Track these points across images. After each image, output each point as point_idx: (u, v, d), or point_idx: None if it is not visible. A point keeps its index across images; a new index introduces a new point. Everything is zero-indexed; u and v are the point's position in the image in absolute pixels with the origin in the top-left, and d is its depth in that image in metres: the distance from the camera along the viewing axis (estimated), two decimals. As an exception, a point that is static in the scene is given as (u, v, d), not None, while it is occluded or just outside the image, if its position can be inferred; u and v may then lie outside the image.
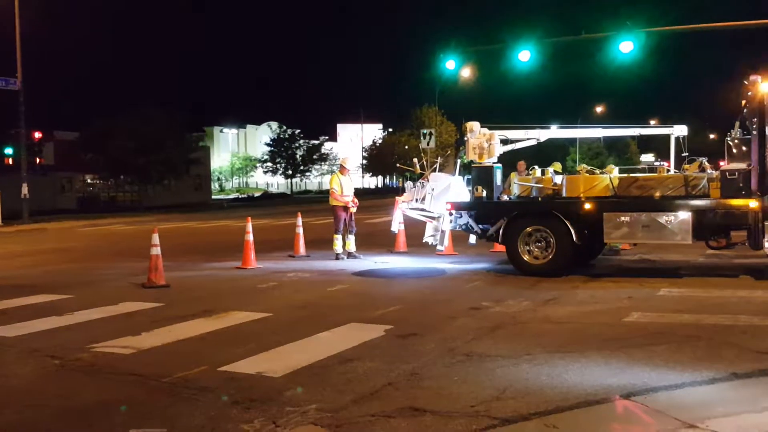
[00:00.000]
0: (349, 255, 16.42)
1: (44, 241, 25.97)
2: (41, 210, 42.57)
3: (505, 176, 15.76)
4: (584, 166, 14.68)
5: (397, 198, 16.33)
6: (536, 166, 15.66)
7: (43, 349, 8.07)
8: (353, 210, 16.72)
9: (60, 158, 61.31)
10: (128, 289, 12.62)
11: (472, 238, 15.09)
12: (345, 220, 16.47)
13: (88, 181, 66.68)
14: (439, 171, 15.77)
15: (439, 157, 17.98)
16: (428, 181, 15.06)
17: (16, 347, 8.26)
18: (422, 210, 15.04)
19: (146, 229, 22.43)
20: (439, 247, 15.34)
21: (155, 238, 12.89)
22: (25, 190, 35.57)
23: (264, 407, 5.83)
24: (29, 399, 6.35)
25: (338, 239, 16.40)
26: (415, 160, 15.97)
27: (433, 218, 15.12)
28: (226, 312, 10.02)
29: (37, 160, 57.09)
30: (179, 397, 6.20)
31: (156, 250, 12.77)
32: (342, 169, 17.33)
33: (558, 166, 16.22)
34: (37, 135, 52.51)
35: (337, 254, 16.34)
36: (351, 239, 16.61)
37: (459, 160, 16.09)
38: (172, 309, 10.43)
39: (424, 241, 15.65)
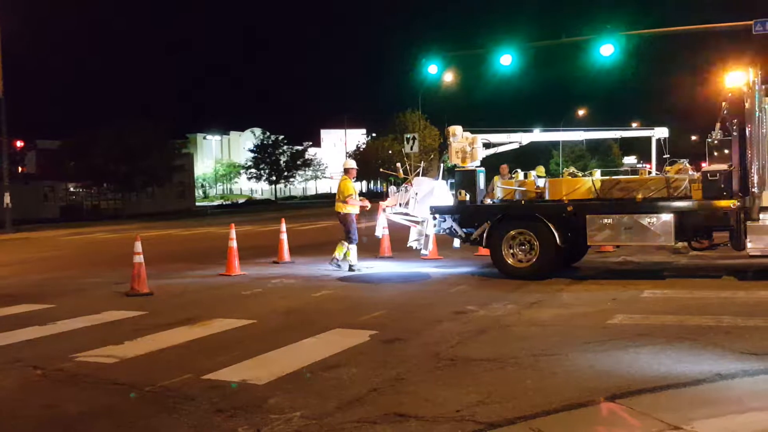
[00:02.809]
0: (350, 268, 15.19)
1: (27, 251, 25.78)
2: (24, 219, 42.30)
3: (488, 180, 15.76)
4: (566, 169, 14.73)
5: (381, 203, 16.25)
6: (519, 170, 15.69)
7: (25, 360, 8.00)
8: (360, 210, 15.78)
9: (42, 167, 60.96)
10: (111, 297, 12.53)
11: (457, 242, 15.10)
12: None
13: (71, 189, 66.31)
14: (422, 175, 15.73)
15: (422, 162, 17.94)
16: (412, 185, 15.04)
17: (-2, 358, 8.20)
18: (406, 214, 15.01)
19: (129, 237, 22.33)
20: (423, 252, 15.31)
21: (138, 246, 12.80)
22: (7, 199, 35.36)
23: (248, 415, 5.80)
24: (12, 410, 6.30)
25: (353, 249, 15.31)
26: (399, 164, 15.90)
27: (417, 222, 15.10)
28: (210, 319, 9.97)
29: (20, 168, 56.74)
30: (163, 405, 6.16)
31: (139, 258, 12.69)
32: (350, 172, 16.03)
33: (541, 169, 16.28)
34: (19, 144, 52.28)
35: (334, 258, 15.36)
36: (353, 249, 15.53)
37: (443, 164, 16.06)
38: (155, 317, 10.37)
39: (408, 245, 15.62)
